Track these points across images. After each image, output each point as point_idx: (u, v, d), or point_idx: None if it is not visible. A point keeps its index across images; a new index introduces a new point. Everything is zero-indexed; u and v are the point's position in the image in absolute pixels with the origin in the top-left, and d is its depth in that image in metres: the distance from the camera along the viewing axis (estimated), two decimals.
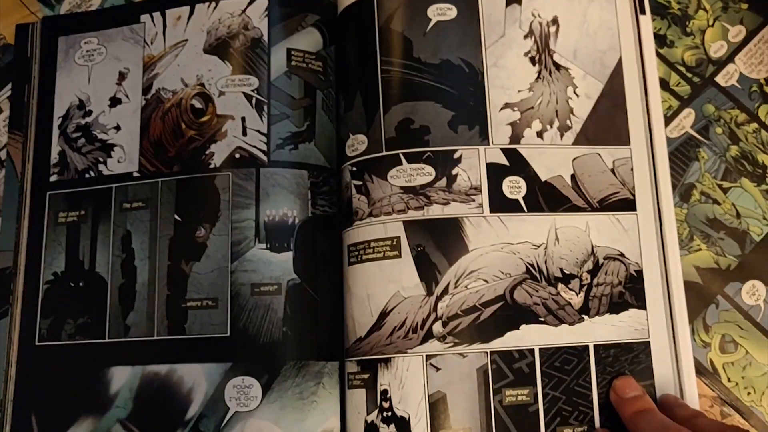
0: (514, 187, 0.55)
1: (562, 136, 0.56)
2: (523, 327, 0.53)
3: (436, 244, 0.53)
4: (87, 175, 0.58)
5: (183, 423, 0.52)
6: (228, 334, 0.53)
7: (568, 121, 0.56)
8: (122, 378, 0.54)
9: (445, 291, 0.53)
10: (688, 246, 0.58)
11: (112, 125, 0.59)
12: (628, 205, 0.56)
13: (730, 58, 0.61)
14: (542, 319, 0.53)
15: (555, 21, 0.57)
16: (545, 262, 0.54)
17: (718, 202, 0.59)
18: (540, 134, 0.56)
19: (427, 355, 0.52)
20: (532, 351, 0.53)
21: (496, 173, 0.54)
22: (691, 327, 0.56)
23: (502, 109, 0.55)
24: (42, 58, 0.62)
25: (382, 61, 0.55)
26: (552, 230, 0.55)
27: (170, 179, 0.56)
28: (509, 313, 0.53)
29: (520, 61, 0.56)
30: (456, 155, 0.54)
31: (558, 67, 0.57)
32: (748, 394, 0.55)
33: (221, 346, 0.53)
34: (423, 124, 0.54)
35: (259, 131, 0.56)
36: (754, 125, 0.60)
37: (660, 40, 0.62)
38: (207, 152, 0.56)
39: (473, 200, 0.54)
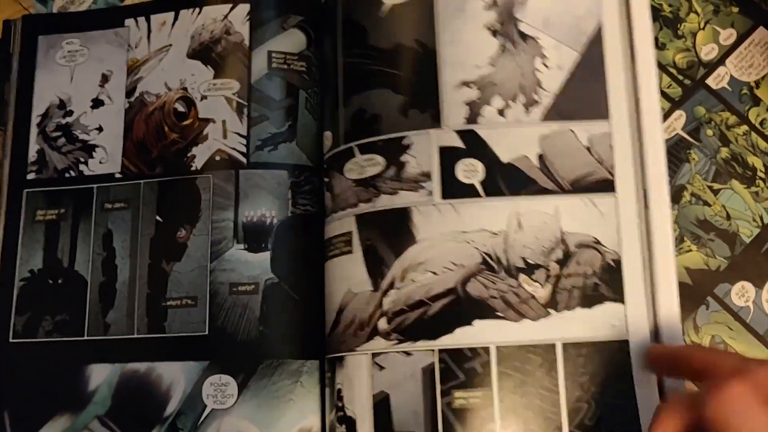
0: (470, 171, 0.52)
1: (528, 112, 0.52)
2: (476, 323, 0.50)
3: (384, 236, 0.52)
4: (67, 175, 0.61)
5: (161, 420, 0.55)
6: (206, 332, 0.55)
7: (535, 95, 0.53)
8: (101, 375, 0.57)
9: (391, 285, 0.52)
10: (678, 247, 0.59)
11: (94, 126, 0.62)
12: (605, 185, 0.52)
13: (720, 60, 0.64)
14: (500, 314, 0.50)
15: None
16: (505, 251, 0.51)
17: (708, 204, 0.60)
18: (501, 112, 0.53)
19: (373, 354, 0.51)
20: (487, 349, 0.50)
21: (449, 157, 0.52)
22: (682, 328, 0.57)
23: (457, 86, 0.53)
24: (21, 56, 0.65)
25: (344, 53, 0.56)
26: (514, 216, 0.51)
27: (152, 181, 0.59)
28: (461, 307, 0.50)
29: (479, 34, 0.54)
30: (405, 141, 0.53)
31: (524, 37, 0.53)
32: None
33: (199, 344, 0.55)
34: (374, 112, 0.54)
35: (238, 134, 0.59)
36: (745, 128, 0.62)
37: None
38: (189, 155, 0.59)
39: (423, 187, 0.52)
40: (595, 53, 0.54)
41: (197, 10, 0.62)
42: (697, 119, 0.62)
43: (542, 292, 0.51)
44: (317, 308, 0.56)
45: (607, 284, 0.51)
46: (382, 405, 0.51)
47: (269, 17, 0.61)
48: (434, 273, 0.51)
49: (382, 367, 0.51)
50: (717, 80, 0.63)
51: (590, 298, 0.51)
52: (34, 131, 0.63)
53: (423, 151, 0.52)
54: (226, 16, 0.61)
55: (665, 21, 0.65)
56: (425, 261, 0.51)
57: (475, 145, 0.52)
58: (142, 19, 0.63)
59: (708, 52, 0.64)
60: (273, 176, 0.58)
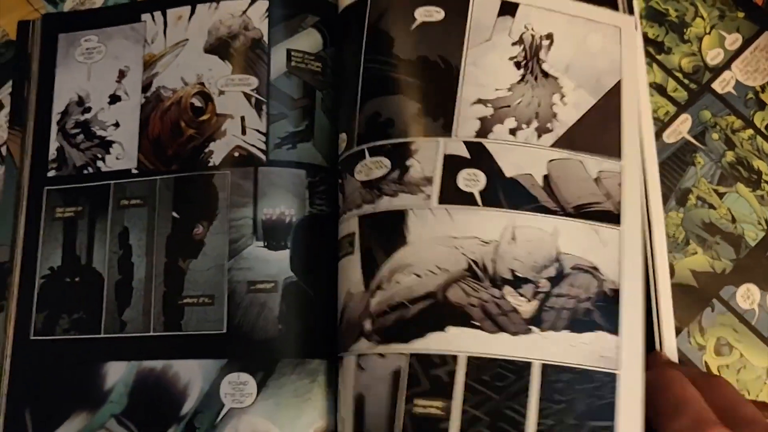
0: (471, 180, 0.50)
1: (539, 137, 0.52)
2: (450, 329, 0.47)
3: (379, 238, 0.51)
4: (85, 171, 0.59)
5: (178, 419, 0.53)
6: (224, 330, 0.54)
7: (549, 124, 0.52)
8: (117, 373, 0.55)
9: (379, 287, 0.50)
10: (683, 250, 0.59)
11: (111, 122, 0.60)
12: (610, 217, 0.50)
13: (726, 65, 0.63)
14: (476, 324, 0.47)
15: (549, 36, 0.54)
16: (493, 260, 0.48)
17: (713, 207, 0.60)
18: (513, 131, 0.52)
19: (358, 355, 0.50)
20: (455, 358, 0.47)
21: (453, 166, 0.51)
22: (687, 330, 0.58)
23: (473, 104, 0.52)
24: (42, 55, 0.63)
25: (366, 59, 0.55)
26: (509, 228, 0.49)
27: (169, 177, 0.57)
28: (437, 312, 0.48)
29: (503, 63, 0.53)
30: (413, 147, 0.52)
31: (546, 75, 0.53)
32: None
33: (217, 342, 0.54)
34: (388, 117, 0.53)
35: (258, 130, 0.57)
36: (750, 132, 0.62)
37: (658, 46, 0.64)
38: (206, 151, 0.57)
39: (422, 191, 0.50)
40: (611, 103, 0.53)
41: (214, 4, 0.60)
42: (703, 123, 0.62)
43: (527, 307, 0.47)
44: (334, 308, 0.55)
45: (600, 312, 0.48)
46: (358, 407, 0.50)
47: (287, 15, 0.60)
48: (418, 276, 0.49)
49: (363, 369, 0.50)
50: (723, 84, 0.63)
51: (580, 323, 0.47)
52: (54, 129, 0.61)
53: (429, 157, 0.51)
54: (244, 12, 0.59)
55: (671, 26, 0.65)
56: (412, 263, 0.49)
57: (480, 157, 0.51)
58: (158, 14, 0.61)
59: (714, 56, 0.64)
60: (291, 175, 0.57)
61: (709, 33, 0.64)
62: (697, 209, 0.60)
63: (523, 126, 0.52)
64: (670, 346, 0.50)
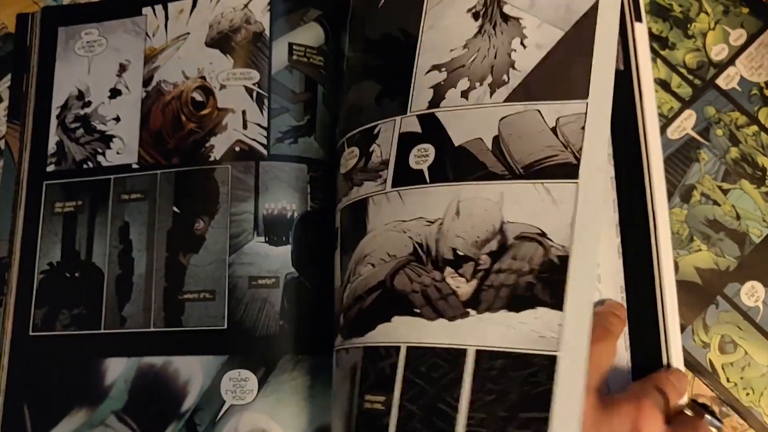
0: (421, 156, 0.47)
1: (492, 93, 0.47)
2: (395, 319, 0.45)
3: (351, 230, 0.50)
4: (85, 166, 0.60)
5: (178, 415, 0.54)
6: (225, 326, 0.54)
7: (504, 77, 0.47)
8: (117, 369, 0.55)
9: (348, 280, 0.48)
10: (688, 246, 0.60)
11: (111, 116, 0.60)
12: (566, 170, 0.44)
13: (731, 61, 0.64)
14: (417, 311, 0.44)
15: None
16: (437, 241, 0.45)
17: (718, 204, 0.61)
18: (464, 94, 0.48)
19: (336, 350, 0.50)
20: (398, 349, 0.44)
21: (406, 144, 0.48)
22: (691, 327, 0.58)
23: (428, 72, 0.49)
24: (41, 48, 0.63)
25: (348, 48, 0.55)
26: (453, 203, 0.45)
27: (169, 171, 0.58)
28: (386, 302, 0.46)
29: (460, 18, 0.50)
30: (375, 131, 0.50)
31: (506, 18, 0.49)
32: (747, 394, 0.57)
33: (218, 338, 0.54)
34: (359, 105, 0.52)
35: (259, 125, 0.57)
36: (754, 128, 0.62)
37: (662, 42, 0.64)
38: (207, 145, 0.57)
39: (380, 176, 0.48)
40: (583, 32, 0.47)
41: None
42: (707, 119, 0.62)
43: (465, 288, 0.44)
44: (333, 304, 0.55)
45: (544, 285, 0.43)
46: (334, 404, 0.50)
47: (289, 9, 0.60)
48: (373, 265, 0.47)
49: (338, 365, 0.49)
50: (727, 80, 0.63)
51: (520, 300, 0.43)
52: (53, 123, 0.62)
53: (387, 139, 0.49)
54: (246, 6, 0.59)
55: (675, 21, 0.65)
56: (369, 253, 0.47)
57: (431, 130, 0.48)
58: (159, 8, 0.62)
59: (718, 52, 0.64)
60: (293, 169, 0.57)
61: (714, 29, 0.64)
62: (702, 206, 0.61)
63: (476, 85, 0.48)
64: (675, 344, 0.49)
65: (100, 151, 0.60)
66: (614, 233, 0.51)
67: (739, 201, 0.60)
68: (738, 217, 0.60)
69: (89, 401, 0.55)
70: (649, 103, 0.52)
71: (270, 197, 0.56)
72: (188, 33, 0.60)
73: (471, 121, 0.47)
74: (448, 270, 0.44)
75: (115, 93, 0.61)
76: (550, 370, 0.41)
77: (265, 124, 0.57)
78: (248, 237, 0.56)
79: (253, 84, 0.58)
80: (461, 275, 0.44)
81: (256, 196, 0.56)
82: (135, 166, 0.59)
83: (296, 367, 0.54)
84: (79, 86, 0.62)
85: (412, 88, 0.50)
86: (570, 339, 0.41)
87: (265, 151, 0.57)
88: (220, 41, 0.60)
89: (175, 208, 0.57)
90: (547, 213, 0.44)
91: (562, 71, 0.47)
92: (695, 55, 0.64)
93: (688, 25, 0.65)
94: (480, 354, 0.42)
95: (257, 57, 0.59)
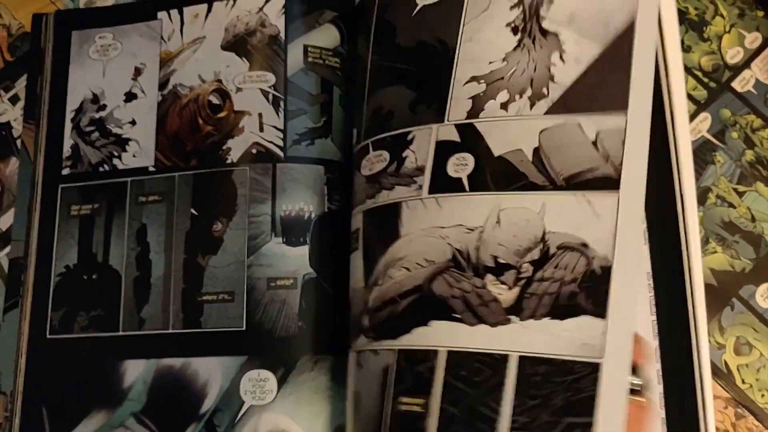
0: (460, 165, 0.49)
1: (532, 106, 0.49)
2: (433, 323, 0.46)
3: (377, 232, 0.51)
4: (101, 169, 0.61)
5: (197, 417, 0.55)
6: (243, 327, 0.55)
7: (544, 89, 0.49)
8: (136, 371, 0.56)
9: (375, 282, 0.50)
10: (703, 248, 0.61)
11: (127, 120, 0.62)
12: (607, 183, 0.46)
13: (746, 64, 0.65)
14: (457, 316, 0.46)
15: None
16: (477, 248, 0.47)
17: (733, 206, 0.62)
18: (504, 106, 0.49)
19: (357, 351, 0.51)
20: (436, 353, 0.46)
21: (444, 152, 0.50)
22: (707, 329, 0.59)
23: (466, 83, 0.51)
24: (55, 52, 0.65)
25: (373, 51, 0.56)
26: (494, 212, 0.47)
27: (187, 173, 0.59)
28: (422, 306, 0.47)
29: (499, 32, 0.51)
30: (409, 137, 0.51)
31: (545, 33, 0.50)
32: (762, 396, 0.58)
33: (237, 339, 0.55)
34: (389, 109, 0.53)
35: (275, 127, 0.59)
36: None
37: None
38: (224, 147, 0.59)
39: (415, 182, 0.50)
40: (621, 48, 0.49)
41: (231, 1, 0.62)
42: (723, 122, 0.64)
43: (507, 296, 0.45)
44: None
45: (587, 294, 0.44)
46: (356, 405, 0.51)
47: (304, 11, 0.62)
48: (408, 269, 0.48)
49: (360, 366, 0.50)
50: (742, 83, 0.64)
51: (563, 309, 0.44)
52: (68, 126, 0.63)
53: (423, 146, 0.51)
54: (261, 9, 0.61)
55: (691, 24, 0.66)
56: (403, 257, 0.49)
57: (471, 139, 0.49)
58: (174, 12, 0.63)
59: (733, 55, 0.65)
60: (310, 171, 0.58)
61: (729, 32, 0.66)
62: (717, 208, 0.62)
63: (516, 97, 0.49)
64: (703, 348, 0.49)
65: (116, 154, 0.61)
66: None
67: (755, 203, 0.62)
68: (753, 220, 0.61)
69: (108, 403, 0.56)
70: (678, 87, 0.52)
71: (287, 199, 0.57)
72: (204, 36, 0.62)
73: (511, 133, 0.49)
74: (489, 277, 0.46)
75: (130, 96, 0.62)
76: (594, 377, 0.43)
77: (282, 126, 0.59)
78: (266, 238, 0.57)
79: (269, 86, 0.60)
80: (503, 282, 0.46)
81: (273, 197, 0.58)
82: (151, 168, 0.60)
83: (315, 367, 0.55)
84: (93, 90, 0.63)
85: (450, 98, 0.51)
86: (613, 346, 0.43)
87: (282, 153, 0.58)
88: (236, 44, 0.61)
89: (193, 210, 0.58)
90: (589, 224, 0.45)
91: (601, 85, 0.48)
92: (711, 58, 0.65)
93: (704, 28, 0.66)
94: (523, 360, 0.44)
95: (273, 60, 0.60)
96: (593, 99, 0.48)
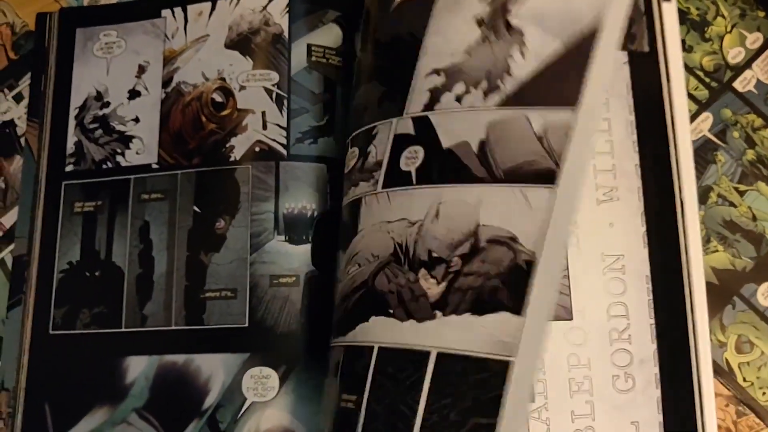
0: (411, 158, 0.48)
1: (485, 97, 0.47)
2: (372, 319, 0.46)
3: (345, 229, 0.52)
4: (104, 166, 0.62)
5: (200, 413, 0.56)
6: (246, 324, 0.56)
7: (499, 81, 0.47)
8: (139, 367, 0.57)
9: (339, 279, 0.50)
10: (705, 247, 0.62)
11: (130, 117, 0.63)
12: (545, 177, 0.44)
13: (747, 64, 0.66)
14: (391, 311, 0.45)
15: None
16: (415, 242, 0.46)
17: (734, 205, 0.62)
18: (459, 98, 0.48)
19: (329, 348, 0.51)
20: (371, 349, 0.45)
21: (400, 145, 0.49)
22: (708, 327, 0.60)
23: (428, 75, 0.49)
24: (59, 49, 0.66)
25: (360, 48, 0.56)
26: (434, 205, 0.46)
27: (190, 171, 0.60)
28: (366, 301, 0.47)
29: (464, 24, 0.49)
30: (373, 132, 0.51)
31: (510, 28, 0.48)
32: (764, 394, 0.58)
33: (239, 336, 0.56)
34: (363, 105, 0.53)
35: (279, 125, 0.60)
36: None
37: None
38: (227, 145, 0.60)
39: (373, 177, 0.49)
40: (584, 46, 0.47)
41: (235, 0, 0.63)
42: (724, 121, 0.64)
43: (435, 290, 0.44)
44: None
45: (509, 290, 0.43)
46: (324, 403, 0.51)
47: (308, 10, 0.62)
48: (359, 265, 0.48)
49: (328, 364, 0.51)
50: (743, 83, 0.65)
51: (484, 304, 0.43)
52: (71, 123, 0.64)
53: (383, 140, 0.50)
54: (264, 8, 0.62)
55: (692, 24, 0.67)
56: (357, 253, 0.49)
57: (423, 132, 0.48)
58: (178, 10, 0.64)
59: (735, 55, 0.66)
60: (313, 169, 0.59)
61: (730, 32, 0.66)
62: (718, 207, 0.62)
63: (471, 89, 0.48)
64: (704, 348, 0.49)
65: (119, 151, 0.62)
66: (639, 222, 0.49)
67: (756, 202, 0.62)
68: (754, 219, 0.62)
69: (110, 399, 0.57)
70: (678, 85, 0.51)
71: (290, 197, 0.58)
72: (208, 35, 0.63)
73: (461, 125, 0.47)
74: (422, 271, 0.45)
75: (134, 94, 0.63)
76: (503, 376, 0.41)
77: (285, 125, 0.60)
78: (269, 236, 0.58)
79: (273, 85, 0.60)
80: (433, 277, 0.45)
81: (276, 195, 0.58)
82: (155, 166, 0.61)
83: (317, 364, 0.55)
84: (97, 87, 0.64)
85: (410, 91, 0.50)
86: (524, 345, 0.42)
87: (285, 152, 0.59)
88: (240, 43, 0.62)
89: (196, 208, 0.59)
90: (522, 217, 0.44)
91: (557, 81, 0.47)
92: (712, 58, 0.66)
93: (705, 29, 0.66)
94: (441, 357, 0.43)
95: (276, 58, 0.61)
96: (546, 94, 0.46)
